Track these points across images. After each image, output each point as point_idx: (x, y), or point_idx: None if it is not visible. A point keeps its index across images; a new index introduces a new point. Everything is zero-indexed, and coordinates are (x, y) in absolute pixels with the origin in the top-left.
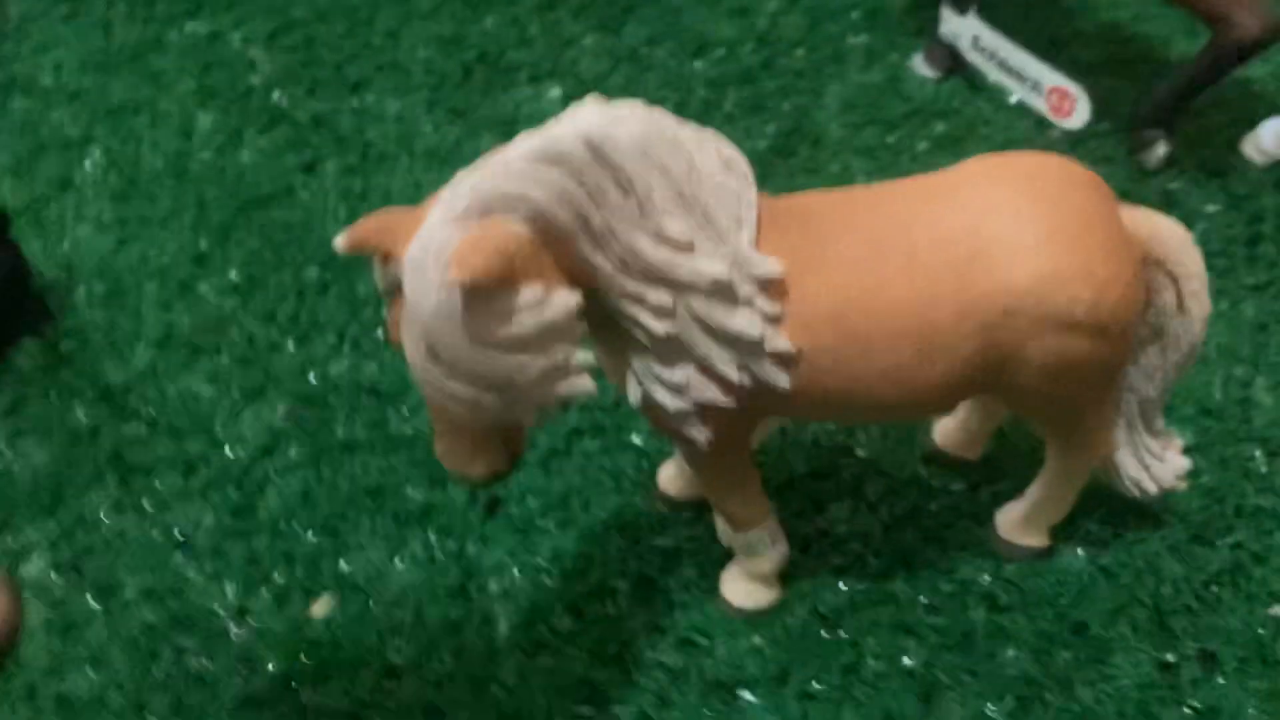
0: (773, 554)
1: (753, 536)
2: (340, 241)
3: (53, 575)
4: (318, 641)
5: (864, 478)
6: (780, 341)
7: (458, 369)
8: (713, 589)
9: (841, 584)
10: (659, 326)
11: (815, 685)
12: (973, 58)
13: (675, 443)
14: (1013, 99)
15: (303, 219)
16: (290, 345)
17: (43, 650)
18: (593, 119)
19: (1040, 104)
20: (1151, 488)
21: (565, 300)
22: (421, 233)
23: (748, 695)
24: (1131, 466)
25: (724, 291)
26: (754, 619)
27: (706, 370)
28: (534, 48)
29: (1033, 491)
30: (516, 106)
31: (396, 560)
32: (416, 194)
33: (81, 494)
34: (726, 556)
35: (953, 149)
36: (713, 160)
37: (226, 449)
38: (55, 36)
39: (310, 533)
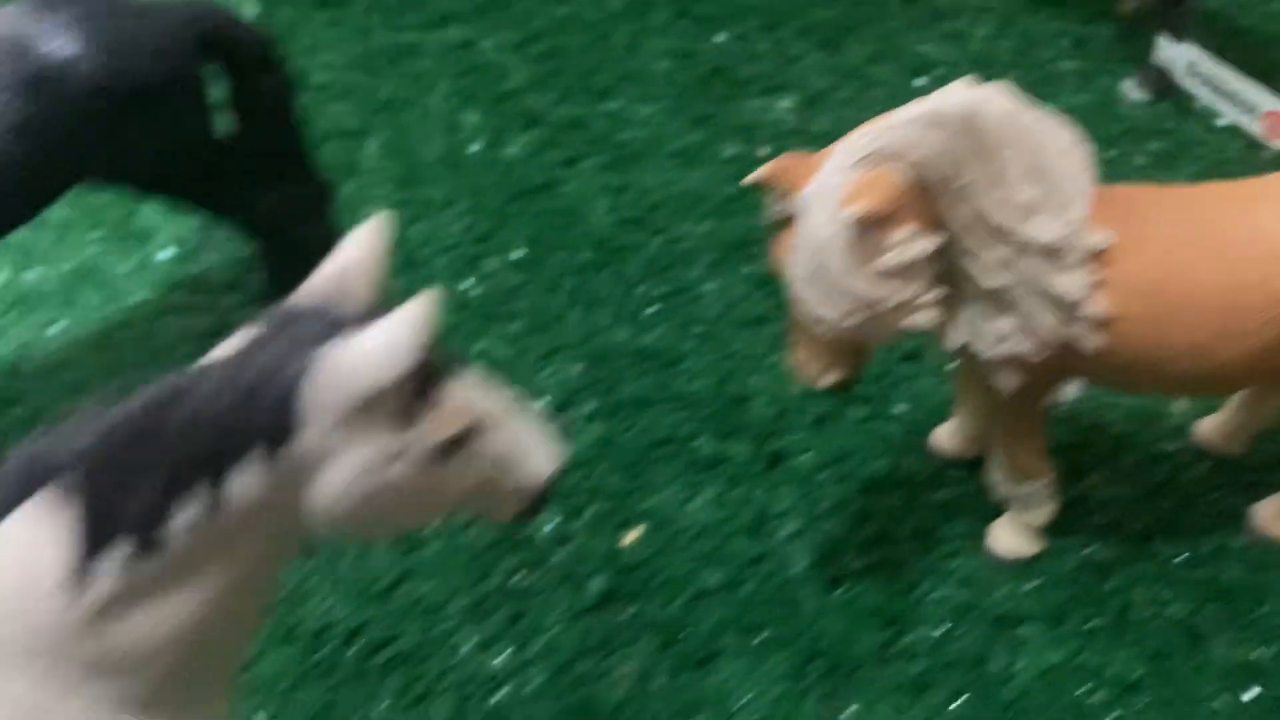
0: (1045, 508)
1: (1031, 489)
2: (752, 177)
3: None
4: (633, 565)
5: (1119, 451)
6: (1097, 306)
7: (835, 291)
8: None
9: (1105, 541)
10: (993, 280)
11: (1091, 624)
12: (1186, 82)
13: (981, 390)
14: (1222, 121)
15: (570, 207)
16: (575, 315)
17: (386, 560)
18: (969, 94)
19: (1254, 126)
20: None
21: (926, 243)
22: (820, 175)
23: (1028, 629)
24: None
25: (1055, 256)
26: (1027, 566)
27: (1026, 325)
28: (763, 63)
29: None
30: (753, 115)
31: (693, 502)
32: (672, 189)
33: None
34: (996, 512)
35: (1170, 166)
36: (1060, 142)
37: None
38: (320, 40)
39: (616, 474)
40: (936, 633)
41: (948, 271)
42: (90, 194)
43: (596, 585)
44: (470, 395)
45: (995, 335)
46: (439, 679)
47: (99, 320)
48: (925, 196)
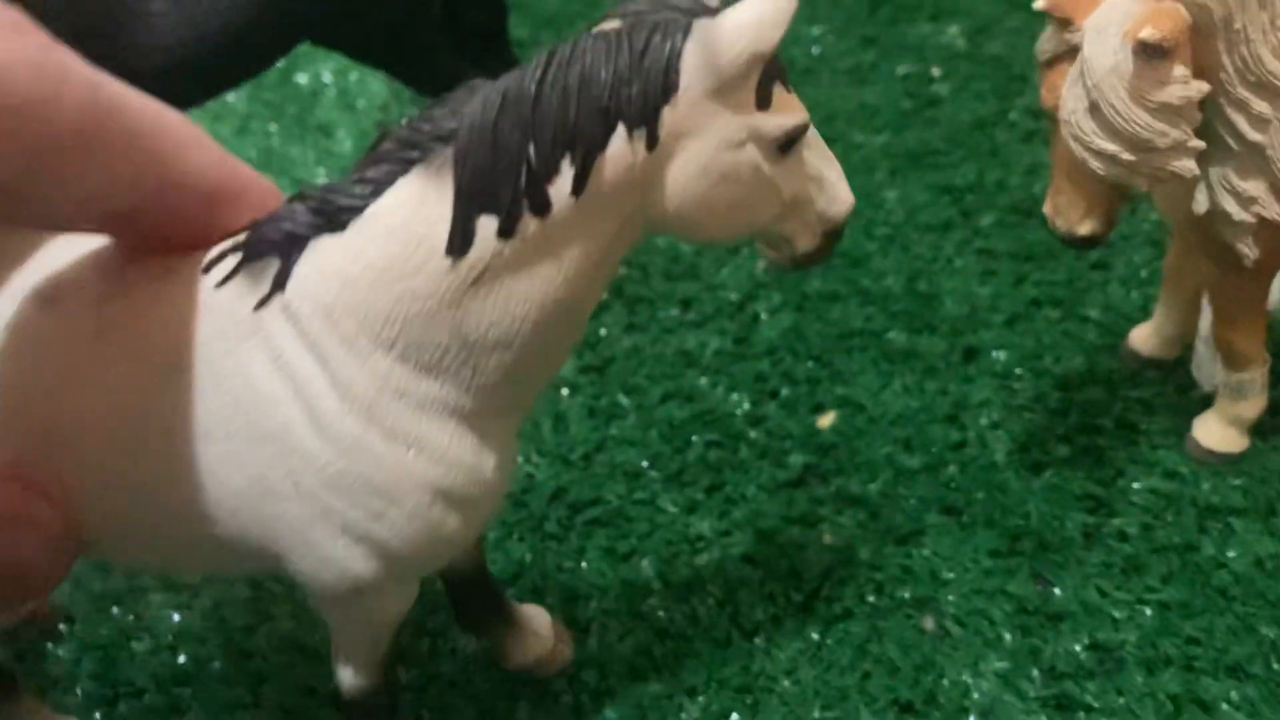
0: (1258, 400)
1: (1246, 377)
2: (1041, 2)
3: (580, 376)
4: (831, 444)
5: None
6: None
7: (1111, 124)
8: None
9: None
10: (1253, 134)
11: None
12: None
13: (1200, 270)
14: None
15: None
16: None
17: (584, 429)
18: None
19: None
20: None
21: (1201, 85)
22: (1104, 6)
23: (1238, 521)
24: None
25: None
26: (1232, 463)
27: (1278, 187)
28: None
29: None
30: (921, 39)
31: (887, 390)
32: (846, 103)
33: (595, 316)
34: (1196, 410)
35: None
36: None
37: (717, 292)
38: None
39: (806, 362)
40: (1144, 520)
41: (1202, 128)
42: (266, 89)
43: (796, 461)
44: (795, 99)
45: (1246, 197)
46: (645, 538)
47: None
48: (1202, 38)
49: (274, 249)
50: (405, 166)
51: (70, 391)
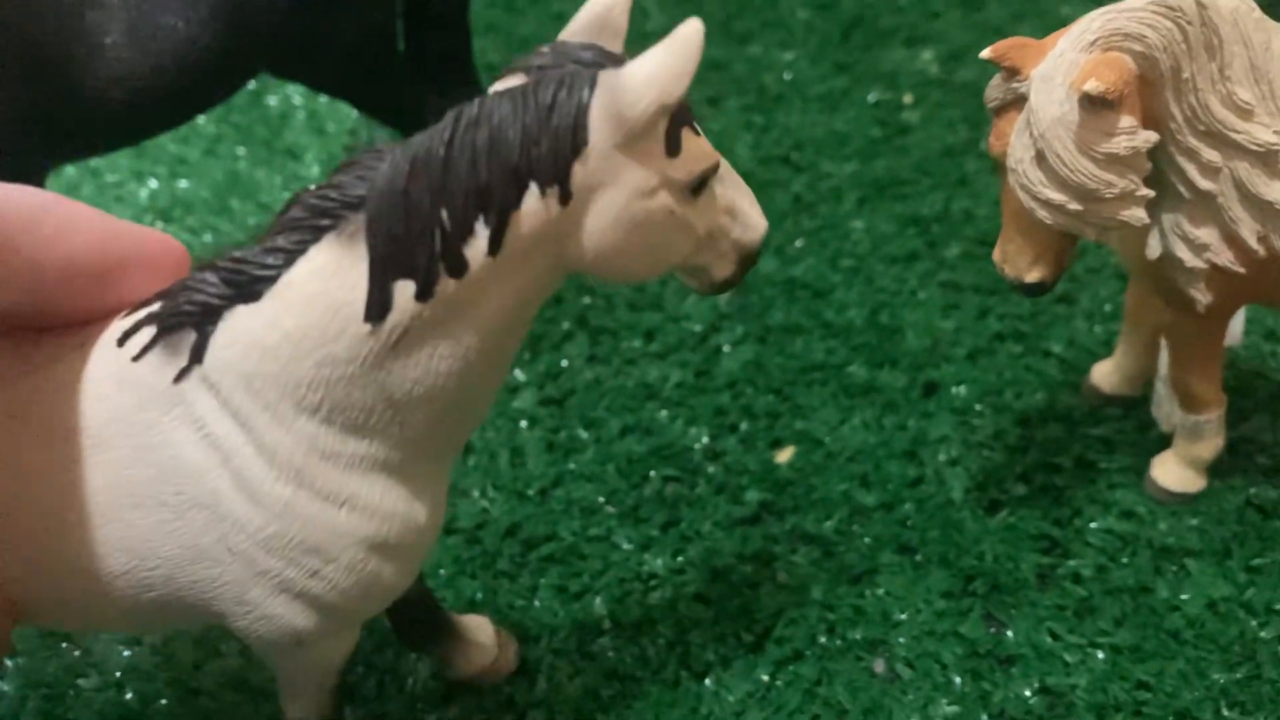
0: (1214, 441)
1: (1203, 418)
2: (987, 52)
3: (540, 408)
4: (788, 480)
5: None
6: None
7: (1058, 174)
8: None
9: (1270, 482)
10: (1203, 183)
11: (1257, 560)
12: None
13: (1157, 314)
14: None
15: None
16: None
17: (541, 463)
18: None
19: None
20: None
21: (1149, 135)
22: (1050, 55)
23: (1193, 563)
24: None
25: (1269, 160)
26: (1189, 503)
27: (1230, 235)
28: (905, 15)
29: None
30: (895, 65)
31: (846, 425)
32: (816, 130)
33: (557, 347)
34: (1155, 449)
35: None
36: None
37: (680, 323)
38: None
39: (766, 395)
40: (1099, 561)
41: (1154, 176)
42: (236, 111)
43: (752, 497)
44: (704, 141)
45: (1198, 244)
46: (598, 576)
47: (252, 229)
48: (1149, 87)
49: (188, 320)
50: (317, 234)
51: None
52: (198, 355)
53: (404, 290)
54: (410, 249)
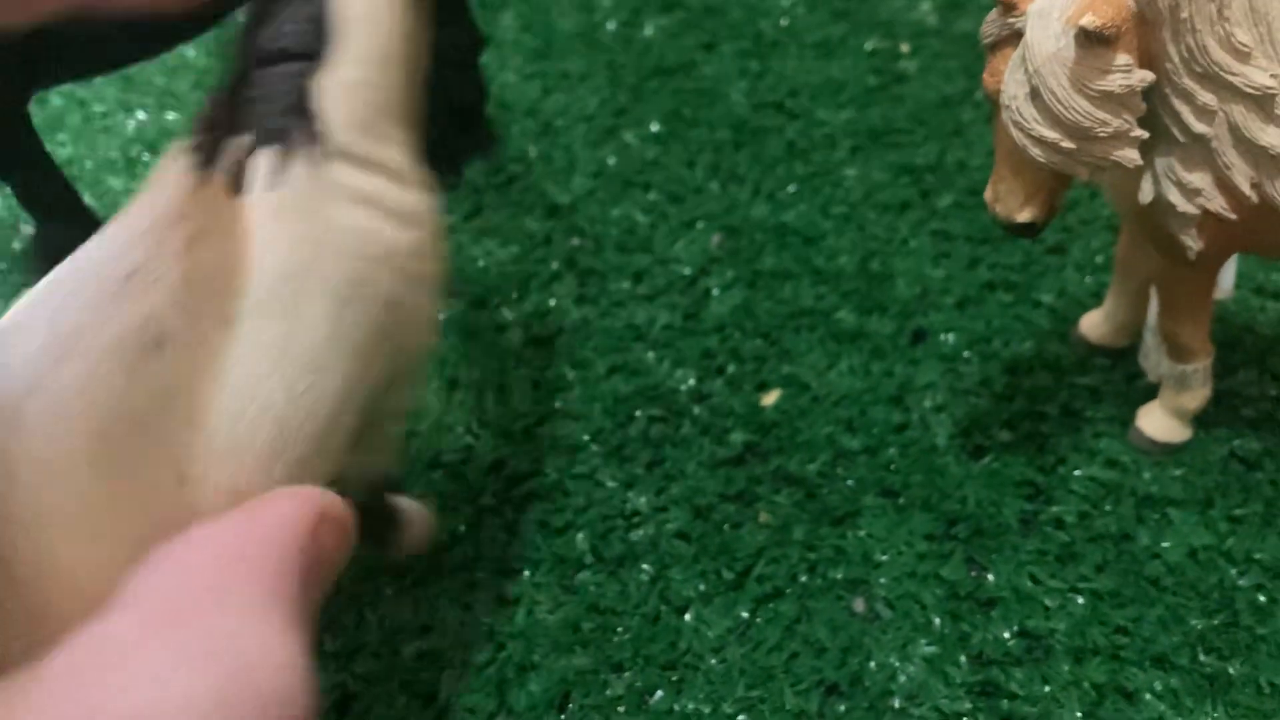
0: (1201, 392)
1: (1190, 368)
2: None
3: (526, 348)
4: (774, 423)
5: (1269, 351)
6: None
7: (1052, 111)
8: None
9: (1255, 434)
10: (1198, 126)
11: (1239, 511)
12: None
13: (1147, 261)
14: None
15: (709, 88)
16: (712, 189)
17: (527, 401)
18: None
19: None
20: None
21: (1144, 74)
22: None
23: (1175, 512)
24: None
25: (1265, 104)
26: (1173, 454)
27: (1222, 180)
28: None
29: None
30: (893, 13)
31: (834, 370)
32: (812, 77)
33: (545, 287)
34: (1142, 400)
35: None
36: None
37: (670, 265)
38: None
39: (754, 339)
40: (1081, 508)
41: (1148, 118)
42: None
43: (737, 439)
44: None
45: (1190, 189)
46: (581, 512)
47: None
48: (1147, 26)
49: (286, 121)
50: None
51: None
52: (312, 138)
53: None
54: None
